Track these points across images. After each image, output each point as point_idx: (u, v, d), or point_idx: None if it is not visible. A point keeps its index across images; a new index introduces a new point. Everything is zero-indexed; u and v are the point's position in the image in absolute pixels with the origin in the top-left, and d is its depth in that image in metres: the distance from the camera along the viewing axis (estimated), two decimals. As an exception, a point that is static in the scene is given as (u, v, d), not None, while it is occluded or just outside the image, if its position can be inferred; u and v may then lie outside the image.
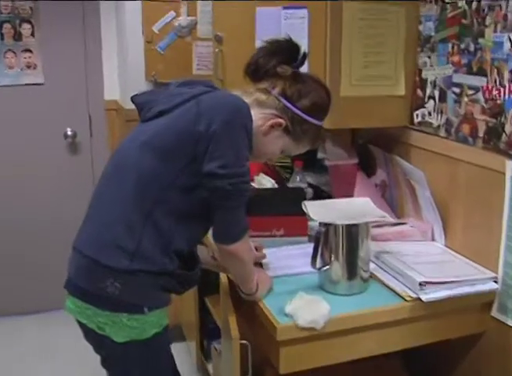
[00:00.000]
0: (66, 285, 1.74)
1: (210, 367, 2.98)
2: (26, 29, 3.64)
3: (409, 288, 1.85)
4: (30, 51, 3.67)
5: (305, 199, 2.47)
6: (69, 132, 3.85)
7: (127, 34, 3.29)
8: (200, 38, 3.14)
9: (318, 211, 1.92)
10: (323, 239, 1.86)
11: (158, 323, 1.71)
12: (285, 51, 1.78)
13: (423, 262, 1.97)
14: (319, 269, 1.88)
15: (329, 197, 2.68)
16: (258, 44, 2.30)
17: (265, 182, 2.76)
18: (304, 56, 1.81)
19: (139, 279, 1.63)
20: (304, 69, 2.20)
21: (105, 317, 1.65)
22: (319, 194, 2.79)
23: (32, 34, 3.66)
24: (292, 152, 1.90)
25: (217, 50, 2.49)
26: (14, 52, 3.65)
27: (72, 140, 3.87)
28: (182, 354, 3.16)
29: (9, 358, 3.40)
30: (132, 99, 1.84)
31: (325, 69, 2.16)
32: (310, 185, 2.83)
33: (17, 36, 3.64)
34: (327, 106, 1.83)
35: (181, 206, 1.68)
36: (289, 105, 1.75)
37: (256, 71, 1.78)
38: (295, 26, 2.22)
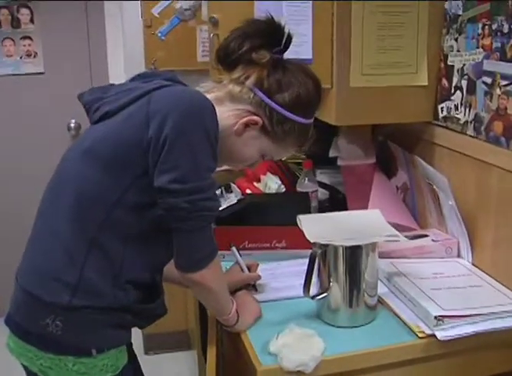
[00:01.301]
0: (6, 321, 1.48)
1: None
2: (24, 15, 3.43)
3: (423, 322, 1.52)
4: (29, 38, 3.47)
5: (310, 206, 2.18)
6: (72, 124, 3.66)
7: (124, 17, 3.02)
8: (205, 22, 2.84)
9: (314, 227, 1.60)
10: (320, 261, 1.55)
11: (112, 367, 1.43)
12: (264, 33, 1.46)
13: (444, 288, 1.65)
14: (313, 297, 1.57)
15: (346, 199, 2.36)
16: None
17: (271, 183, 2.45)
18: (289, 39, 1.49)
19: (84, 316, 1.37)
20: (308, 56, 1.91)
21: (48, 360, 1.40)
22: (335, 196, 2.48)
23: (31, 21, 3.44)
24: (274, 156, 1.59)
25: (212, 35, 2.20)
26: (13, 40, 3.45)
27: (76, 132, 3.66)
28: (190, 362, 2.99)
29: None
30: (79, 97, 1.53)
31: (332, 56, 1.85)
32: (324, 185, 2.52)
33: (15, 22, 3.43)
34: (315, 100, 1.52)
35: (131, 228, 1.39)
36: (265, 99, 1.45)
37: (227, 57, 1.47)
38: (298, 5, 1.90)
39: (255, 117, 1.46)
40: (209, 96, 1.44)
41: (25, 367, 1.48)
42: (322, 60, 1.87)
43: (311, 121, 1.53)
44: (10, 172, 3.66)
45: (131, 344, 1.56)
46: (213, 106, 1.38)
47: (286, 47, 1.49)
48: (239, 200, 2.25)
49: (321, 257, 1.55)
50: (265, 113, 1.46)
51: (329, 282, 1.56)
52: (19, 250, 1.52)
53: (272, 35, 1.46)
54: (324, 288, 1.57)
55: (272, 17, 1.46)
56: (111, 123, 1.41)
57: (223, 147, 1.43)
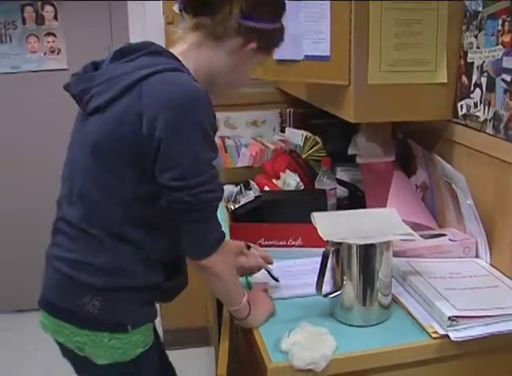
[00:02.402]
0: (39, 302, 1.55)
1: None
2: (48, 12, 3.46)
3: (437, 322, 1.50)
4: (53, 35, 3.50)
5: (327, 204, 2.17)
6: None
7: (146, 15, 3.03)
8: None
9: (328, 225, 1.59)
10: (334, 259, 1.54)
11: (144, 342, 1.53)
12: None
13: (460, 288, 1.62)
14: (326, 295, 1.56)
15: (365, 197, 2.34)
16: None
17: (289, 180, 2.44)
18: None
19: (119, 296, 1.47)
20: (326, 53, 1.90)
21: (84, 337, 1.48)
22: (354, 194, 2.46)
23: (55, 17, 3.47)
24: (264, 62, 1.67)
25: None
26: (37, 37, 3.48)
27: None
28: (209, 358, 3.03)
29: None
30: (66, 88, 1.52)
31: (349, 53, 1.83)
32: (344, 183, 2.50)
33: (39, 19, 3.46)
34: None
35: (149, 216, 1.46)
36: (253, 23, 1.50)
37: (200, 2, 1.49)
38: (316, 2, 1.89)
39: (251, 45, 1.51)
40: (185, 45, 1.51)
41: (60, 344, 1.55)
42: (339, 57, 1.86)
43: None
44: (37, 165, 3.68)
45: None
46: (205, 94, 1.39)
47: None
48: (256, 197, 2.25)
49: (334, 255, 1.54)
50: (255, 35, 1.51)
51: (343, 280, 1.55)
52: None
53: None
54: (337, 286, 1.56)
55: None
56: (107, 120, 1.41)
57: (221, 81, 1.55)
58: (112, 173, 1.41)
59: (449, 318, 1.46)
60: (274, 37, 1.58)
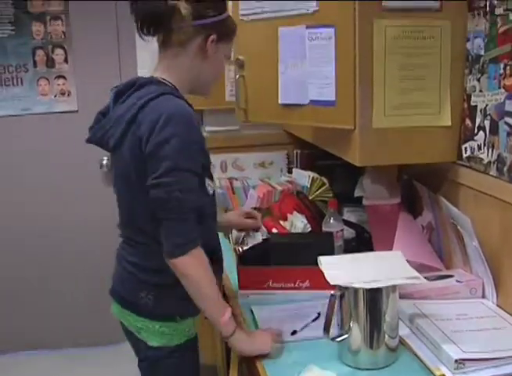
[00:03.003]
0: (110, 291, 1.88)
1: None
2: (59, 55, 3.53)
3: (445, 365, 1.51)
4: (63, 77, 3.56)
5: (334, 246, 2.18)
6: (104, 161, 3.70)
7: (155, 59, 3.08)
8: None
9: (334, 269, 1.61)
10: (340, 303, 1.55)
11: (189, 332, 1.81)
12: None
13: (466, 330, 1.63)
14: (333, 339, 1.57)
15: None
16: (282, 68, 2.06)
17: (297, 222, 2.46)
18: None
19: (169, 291, 1.72)
20: (331, 97, 1.93)
21: (141, 323, 1.78)
22: (362, 235, 2.47)
23: (65, 60, 3.54)
24: (229, 52, 1.90)
25: (238, 76, 2.23)
26: (47, 79, 3.54)
27: (108, 169, 3.70)
28: None
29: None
30: (89, 141, 1.80)
31: (354, 98, 1.86)
32: (351, 224, 2.52)
33: (50, 62, 3.53)
34: None
35: None
36: (204, 22, 1.72)
37: (153, 23, 1.70)
38: (321, 47, 1.93)
39: (211, 37, 1.73)
40: (164, 63, 1.76)
41: (123, 326, 1.86)
42: (344, 102, 1.89)
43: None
44: (45, 208, 3.73)
45: None
46: (186, 111, 1.64)
47: None
48: (264, 240, 2.27)
49: (341, 299, 1.56)
50: (211, 29, 1.73)
51: (350, 323, 1.56)
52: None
53: None
54: (344, 330, 1.57)
55: None
56: (124, 154, 1.69)
57: (203, 77, 1.80)
58: (142, 194, 1.63)
59: (456, 361, 1.47)
60: (227, 25, 1.79)
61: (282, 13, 2.04)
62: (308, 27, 1.95)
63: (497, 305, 1.81)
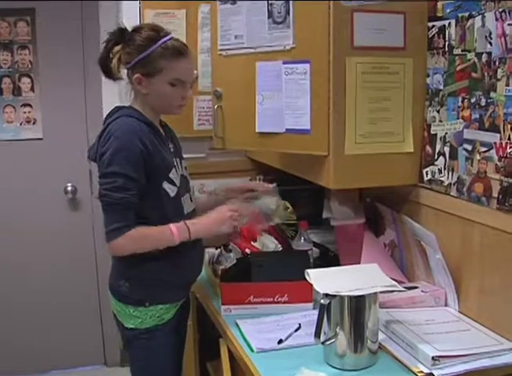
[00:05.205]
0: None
1: None
2: (25, 83, 3.59)
3: (421, 363, 1.70)
4: (29, 105, 3.62)
5: (310, 263, 2.35)
6: (69, 188, 3.76)
7: (120, 88, 3.20)
8: (201, 92, 3.05)
9: (321, 280, 1.79)
10: (328, 310, 1.73)
11: (158, 318, 2.09)
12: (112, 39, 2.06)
13: (437, 332, 1.84)
14: (323, 343, 1.74)
15: (336, 256, 2.55)
16: (259, 99, 2.23)
17: (267, 242, 2.63)
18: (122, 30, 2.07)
19: (142, 281, 2.06)
20: (306, 126, 2.11)
21: (119, 307, 2.11)
22: (326, 254, 2.66)
23: (32, 89, 3.61)
24: (181, 77, 2.06)
25: (216, 106, 2.40)
26: (13, 107, 3.60)
27: (72, 196, 3.78)
28: None
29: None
30: (89, 159, 2.11)
31: (328, 126, 2.05)
32: (316, 244, 2.70)
33: (16, 90, 3.60)
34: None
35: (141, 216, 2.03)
36: (129, 65, 2.04)
37: (108, 71, 2.08)
38: (297, 81, 2.12)
39: (135, 76, 2.02)
40: (134, 93, 2.10)
41: (113, 311, 2.19)
42: (319, 131, 2.08)
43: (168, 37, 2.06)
44: (10, 234, 3.74)
45: (188, 310, 2.37)
46: (128, 130, 1.96)
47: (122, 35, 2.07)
48: (239, 260, 2.42)
49: (329, 306, 1.73)
50: (136, 70, 2.02)
51: (337, 329, 1.73)
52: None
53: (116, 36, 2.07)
54: (332, 335, 1.74)
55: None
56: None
57: (158, 103, 2.07)
58: None
59: (433, 358, 1.66)
60: (151, 62, 2.00)
61: (260, 50, 2.22)
62: (284, 63, 2.14)
63: (459, 312, 2.02)
